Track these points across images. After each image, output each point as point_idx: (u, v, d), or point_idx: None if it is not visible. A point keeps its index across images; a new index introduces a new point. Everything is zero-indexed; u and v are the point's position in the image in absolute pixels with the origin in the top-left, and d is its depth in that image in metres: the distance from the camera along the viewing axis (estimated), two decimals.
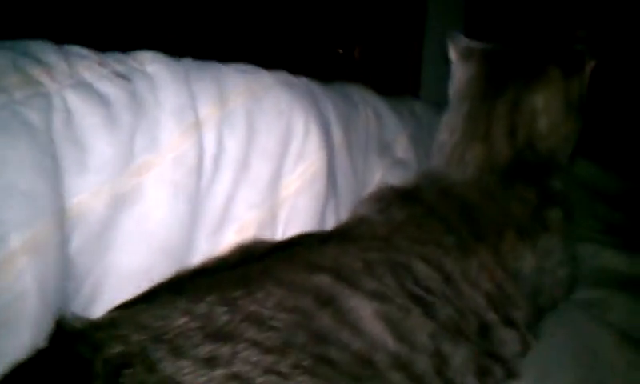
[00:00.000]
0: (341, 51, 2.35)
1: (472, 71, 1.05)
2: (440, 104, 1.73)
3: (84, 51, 0.77)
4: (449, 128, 1.05)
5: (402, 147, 1.28)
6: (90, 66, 0.75)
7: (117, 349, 0.57)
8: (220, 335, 0.60)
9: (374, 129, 1.24)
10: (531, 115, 0.98)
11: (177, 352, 0.57)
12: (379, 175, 1.19)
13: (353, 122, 1.15)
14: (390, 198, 0.94)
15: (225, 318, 0.62)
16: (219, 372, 0.56)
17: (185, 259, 0.80)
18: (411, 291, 0.76)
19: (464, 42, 1.10)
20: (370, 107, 1.26)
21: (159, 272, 0.75)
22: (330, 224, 1.00)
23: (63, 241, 0.65)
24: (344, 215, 1.04)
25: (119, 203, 0.73)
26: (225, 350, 0.58)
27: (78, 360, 0.57)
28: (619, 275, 1.07)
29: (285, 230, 0.92)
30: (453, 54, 1.10)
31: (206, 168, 0.83)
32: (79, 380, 0.55)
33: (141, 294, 0.70)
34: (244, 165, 0.88)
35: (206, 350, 0.57)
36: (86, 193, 0.69)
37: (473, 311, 0.81)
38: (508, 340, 0.84)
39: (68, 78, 0.71)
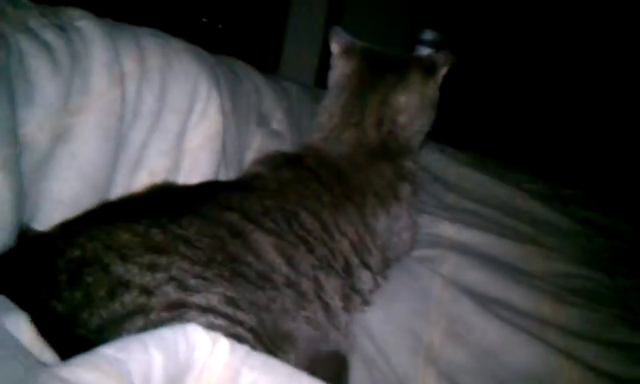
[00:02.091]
0: (205, 20, 2.45)
1: (351, 67, 1.25)
2: (302, 82, 1.92)
3: (27, 2, 0.87)
4: (327, 112, 1.24)
5: (277, 120, 1.46)
6: (33, 15, 0.85)
7: (76, 252, 0.70)
8: (157, 248, 0.74)
9: (254, 101, 1.40)
10: (395, 111, 1.20)
11: (124, 258, 0.71)
12: (257, 142, 1.35)
13: (237, 93, 1.30)
14: (280, 161, 1.12)
15: (159, 237, 0.76)
16: (160, 275, 0.71)
17: (106, 193, 0.93)
18: (298, 233, 0.95)
19: (346, 38, 1.29)
20: (251, 81, 1.43)
21: (85, 202, 0.87)
22: (222, 178, 1.15)
23: (19, 163, 0.75)
24: (231, 172, 1.20)
25: (57, 139, 0.84)
26: (162, 259, 0.73)
27: (44, 258, 0.69)
28: (448, 240, 1.34)
29: (187, 178, 1.06)
30: (335, 48, 1.29)
31: (128, 116, 0.95)
32: (46, 274, 0.68)
33: (77, 216, 0.82)
34: (157, 117, 1.01)
35: (147, 258, 0.72)
36: (33, 125, 0.80)
37: (341, 253, 1.02)
38: (364, 278, 1.07)
39: (19, 23, 0.81)
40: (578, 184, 2.05)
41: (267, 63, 2.59)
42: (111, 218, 0.79)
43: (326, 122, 1.23)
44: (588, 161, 2.96)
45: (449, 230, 1.37)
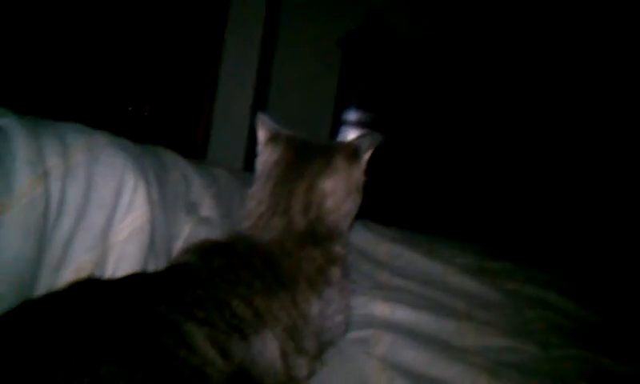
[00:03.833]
0: (130, 108, 2.45)
1: (278, 154, 1.28)
2: (231, 166, 1.93)
3: None
4: (255, 199, 1.26)
5: (206, 207, 1.46)
6: None
7: None
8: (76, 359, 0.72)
9: (182, 189, 1.40)
10: (321, 196, 1.23)
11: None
12: (187, 231, 1.35)
13: (165, 183, 1.30)
14: (210, 249, 1.12)
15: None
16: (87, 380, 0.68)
17: (29, 293, 0.89)
18: (231, 321, 0.94)
19: (271, 125, 1.32)
20: (179, 169, 1.43)
21: (8, 302, 0.84)
22: (150, 269, 1.13)
23: None
24: (160, 263, 1.18)
25: None
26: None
27: None
28: (383, 320, 1.34)
29: (114, 271, 1.04)
30: (261, 135, 1.32)
31: (52, 213, 0.94)
32: None
33: None
34: (82, 212, 1.00)
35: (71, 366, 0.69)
36: None
37: (275, 340, 1.01)
38: (300, 364, 1.06)
39: None
40: (505, 253, 2.10)
41: (196, 148, 2.60)
42: (33, 321, 0.76)
43: (254, 209, 1.24)
44: (515, 230, 3.07)
45: (382, 309, 1.38)
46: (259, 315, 1.01)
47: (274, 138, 1.30)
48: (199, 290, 0.96)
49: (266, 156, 1.30)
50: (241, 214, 1.31)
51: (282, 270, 1.13)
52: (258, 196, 1.26)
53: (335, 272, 1.21)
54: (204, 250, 1.12)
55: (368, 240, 1.81)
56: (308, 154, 1.28)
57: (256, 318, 1.00)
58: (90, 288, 0.92)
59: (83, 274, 0.98)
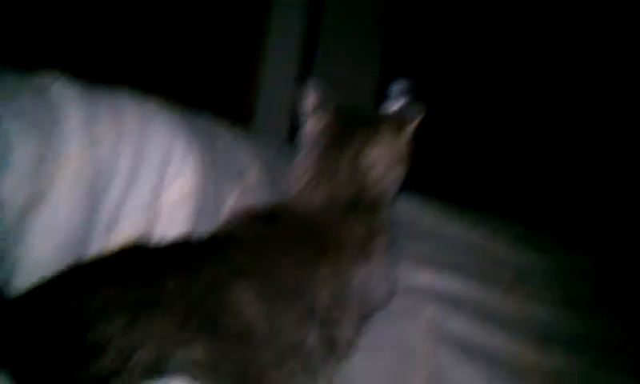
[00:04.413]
0: (179, 77, 2.47)
1: (324, 123, 1.28)
2: (275, 137, 1.94)
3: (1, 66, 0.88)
4: (301, 168, 1.26)
5: (252, 176, 1.47)
6: (9, 80, 0.86)
7: (50, 316, 0.69)
8: (132, 310, 0.74)
9: (229, 157, 1.41)
10: (367, 166, 1.23)
11: (100, 321, 0.70)
12: (233, 199, 1.36)
13: (213, 150, 1.32)
14: (255, 217, 1.13)
15: (133, 298, 0.76)
16: (136, 337, 0.70)
17: (81, 254, 0.92)
18: (274, 289, 0.95)
19: (320, 93, 1.32)
20: (227, 138, 1.44)
21: (60, 265, 0.86)
22: (197, 235, 1.15)
23: None
24: (207, 229, 1.20)
25: (32, 202, 0.84)
26: (138, 321, 0.72)
27: (18, 322, 0.69)
28: (427, 289, 1.34)
29: (163, 236, 1.06)
30: (308, 104, 1.32)
31: (103, 178, 0.96)
32: (21, 337, 0.67)
33: (51, 278, 0.81)
34: (132, 177, 1.02)
35: (122, 321, 0.71)
36: (7, 189, 0.80)
37: (319, 308, 1.02)
38: (343, 332, 1.06)
39: None
40: (552, 228, 2.07)
41: (242, 118, 2.61)
42: (84, 280, 0.78)
43: (299, 178, 1.25)
44: (562, 202, 3.00)
45: (427, 278, 1.38)
46: (303, 283, 1.02)
47: (320, 107, 1.30)
48: (244, 256, 0.97)
49: (312, 125, 1.30)
50: (286, 183, 1.31)
51: (327, 238, 1.13)
52: (303, 165, 1.26)
53: (380, 241, 1.21)
54: (249, 218, 1.13)
55: (413, 211, 1.80)
56: (354, 123, 1.27)
57: (299, 285, 1.01)
58: (139, 251, 0.94)
59: (133, 237, 1.00)
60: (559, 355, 1.16)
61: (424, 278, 1.38)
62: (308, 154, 1.27)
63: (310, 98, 1.32)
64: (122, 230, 1.00)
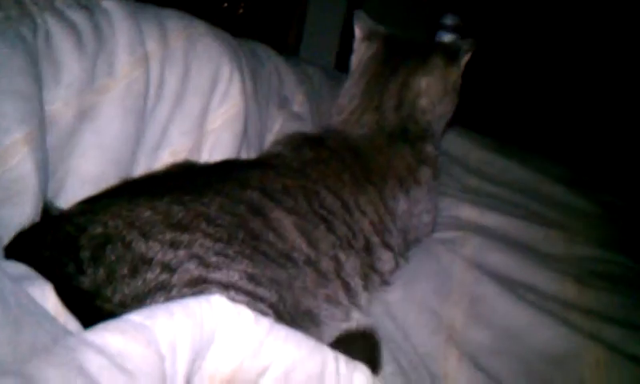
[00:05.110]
0: (226, 5, 2.45)
1: (373, 51, 1.25)
2: (322, 65, 1.92)
3: None
4: (348, 95, 1.25)
5: (298, 102, 1.46)
6: None
7: (98, 229, 0.70)
8: (179, 226, 0.75)
9: (275, 84, 1.40)
10: (415, 94, 1.20)
11: (146, 236, 0.71)
12: (278, 125, 1.36)
13: (259, 76, 1.31)
14: (301, 141, 1.12)
15: (180, 214, 0.77)
16: (182, 252, 0.71)
17: (129, 171, 0.93)
18: (318, 211, 0.95)
19: (369, 23, 1.29)
20: (273, 64, 1.43)
21: (109, 180, 0.88)
22: (242, 158, 1.16)
23: (45, 139, 0.76)
24: (252, 154, 1.20)
25: (82, 117, 0.85)
26: (184, 236, 0.73)
27: (67, 235, 0.70)
28: (471, 223, 1.33)
29: (208, 158, 1.07)
30: (358, 33, 1.29)
31: (150, 96, 0.96)
32: (69, 250, 0.69)
33: (99, 193, 0.83)
34: (179, 97, 1.02)
35: (169, 236, 0.73)
36: (59, 103, 0.81)
37: (361, 232, 1.02)
38: (385, 258, 1.07)
39: (45, 4, 0.82)
40: (600, 170, 2.02)
41: (288, 47, 2.57)
42: (133, 195, 0.79)
43: (346, 105, 1.23)
44: (609, 147, 2.92)
45: (471, 212, 1.36)
46: (347, 207, 1.02)
47: (370, 35, 1.27)
48: (289, 179, 0.97)
49: (361, 53, 1.28)
50: (332, 110, 1.30)
51: (372, 165, 1.12)
52: (350, 92, 1.24)
53: (425, 172, 1.19)
54: (295, 142, 1.12)
55: (460, 145, 1.77)
56: (404, 52, 1.24)
57: (343, 209, 1.01)
58: (187, 169, 0.95)
59: (178, 157, 1.01)
60: (600, 294, 1.14)
61: (469, 211, 1.36)
62: (356, 81, 1.25)
63: (359, 27, 1.29)
64: (169, 150, 1.01)
